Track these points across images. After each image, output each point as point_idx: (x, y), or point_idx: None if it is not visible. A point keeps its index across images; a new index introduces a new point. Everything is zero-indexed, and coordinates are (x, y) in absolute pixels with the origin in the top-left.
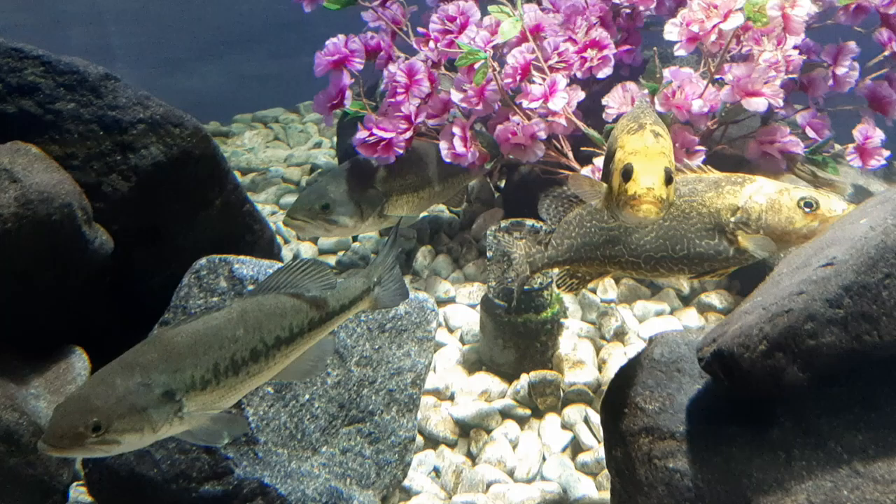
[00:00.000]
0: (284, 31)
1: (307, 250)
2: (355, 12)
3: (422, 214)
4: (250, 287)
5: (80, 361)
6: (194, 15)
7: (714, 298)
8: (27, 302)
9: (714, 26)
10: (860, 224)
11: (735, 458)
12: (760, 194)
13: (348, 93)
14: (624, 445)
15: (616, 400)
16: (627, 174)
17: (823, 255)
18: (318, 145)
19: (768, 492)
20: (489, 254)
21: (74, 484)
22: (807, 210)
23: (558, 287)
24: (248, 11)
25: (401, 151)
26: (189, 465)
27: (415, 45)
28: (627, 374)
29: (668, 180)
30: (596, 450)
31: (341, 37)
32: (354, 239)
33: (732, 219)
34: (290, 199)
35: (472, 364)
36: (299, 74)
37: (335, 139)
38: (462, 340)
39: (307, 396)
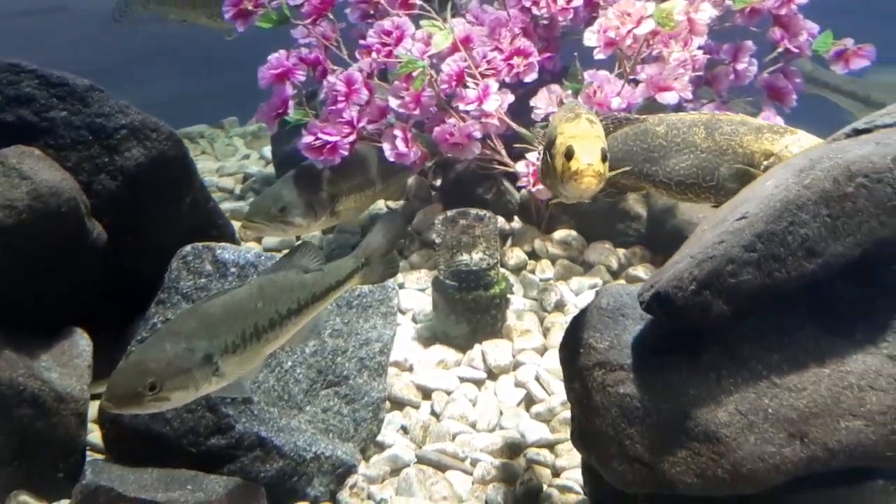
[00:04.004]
0: (202, 51)
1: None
2: (273, 33)
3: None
4: (233, 269)
5: (82, 339)
6: (111, 36)
7: (640, 271)
8: (37, 286)
9: (629, 31)
10: (767, 184)
11: (674, 381)
12: (796, 146)
13: (291, 102)
14: (581, 379)
15: (572, 342)
16: (570, 154)
17: (738, 212)
18: (246, 157)
19: (703, 405)
20: (437, 240)
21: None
22: None
23: (601, 193)
24: (163, 32)
25: (345, 153)
26: (196, 423)
27: (347, 59)
28: (580, 321)
29: (604, 158)
30: (547, 401)
31: (282, 51)
32: (298, 238)
33: (765, 162)
34: (228, 205)
35: (427, 339)
36: (222, 92)
37: (264, 150)
38: (415, 320)
39: (290, 363)
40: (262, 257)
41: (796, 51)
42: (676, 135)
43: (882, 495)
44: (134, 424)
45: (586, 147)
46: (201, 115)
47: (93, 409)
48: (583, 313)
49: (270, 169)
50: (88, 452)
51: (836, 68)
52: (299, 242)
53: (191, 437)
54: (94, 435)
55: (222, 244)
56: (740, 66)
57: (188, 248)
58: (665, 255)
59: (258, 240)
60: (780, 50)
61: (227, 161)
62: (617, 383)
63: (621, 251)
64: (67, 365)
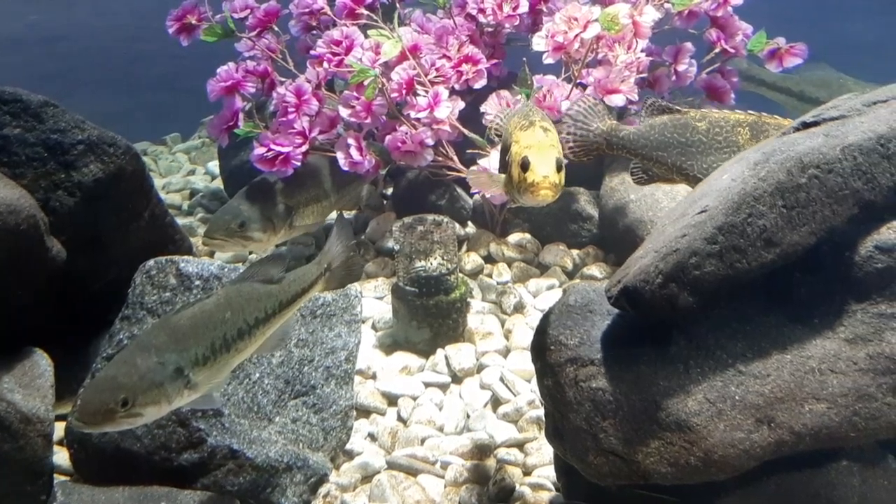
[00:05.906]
0: (141, 68)
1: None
2: (213, 51)
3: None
4: (197, 282)
5: (43, 360)
6: (51, 55)
7: (595, 270)
8: None
9: (576, 36)
10: (723, 179)
11: (643, 373)
12: None
13: (241, 115)
14: (553, 375)
15: (543, 340)
16: (525, 166)
17: (698, 206)
18: (192, 172)
19: (673, 395)
20: (396, 247)
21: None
22: None
23: (631, 176)
24: (103, 49)
25: (298, 164)
26: (168, 438)
27: (293, 70)
28: (549, 319)
29: (559, 168)
30: (513, 401)
31: (231, 64)
32: (250, 252)
33: None
34: (179, 221)
35: (389, 347)
36: (161, 109)
37: (209, 165)
38: (375, 328)
39: (257, 375)
40: (226, 269)
41: (732, 51)
42: (718, 133)
43: (846, 475)
44: (102, 443)
45: (542, 158)
46: (142, 133)
47: (57, 430)
48: (551, 311)
49: (217, 184)
50: (55, 475)
51: (769, 66)
52: (257, 254)
53: (163, 452)
54: (59, 457)
55: (185, 257)
56: (681, 68)
57: (151, 262)
58: (618, 254)
59: (210, 254)
60: (717, 50)
61: (173, 177)
62: (589, 378)
63: (575, 252)
64: (30, 386)
